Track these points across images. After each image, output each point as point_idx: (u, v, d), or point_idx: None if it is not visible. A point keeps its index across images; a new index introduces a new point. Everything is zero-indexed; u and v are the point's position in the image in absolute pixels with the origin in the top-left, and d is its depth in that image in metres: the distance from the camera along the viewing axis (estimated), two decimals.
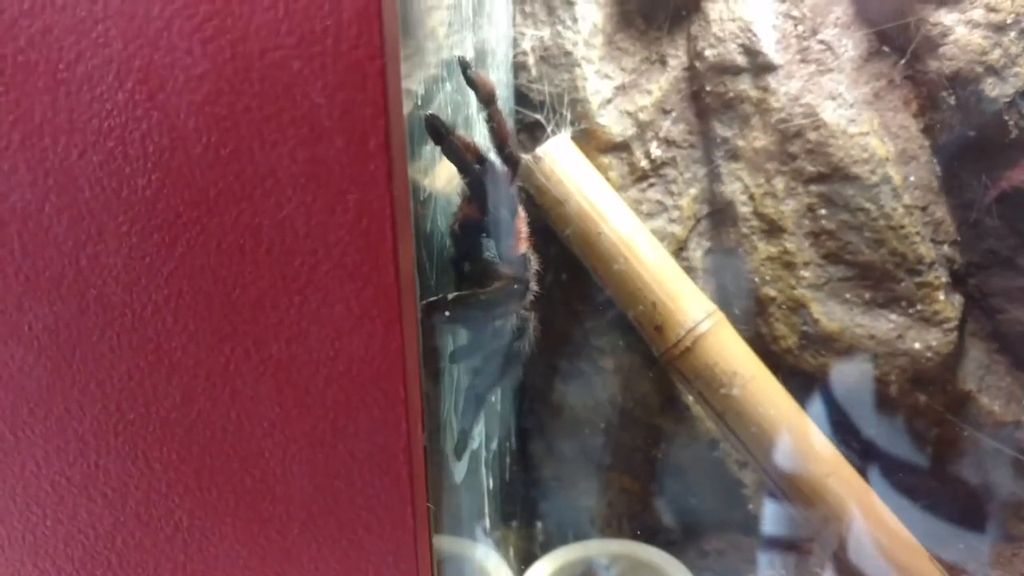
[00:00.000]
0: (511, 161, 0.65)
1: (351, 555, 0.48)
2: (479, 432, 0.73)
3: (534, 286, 0.67)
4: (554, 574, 1.04)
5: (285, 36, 0.40)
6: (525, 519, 1.11)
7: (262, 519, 0.47)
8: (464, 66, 0.62)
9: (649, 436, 1.06)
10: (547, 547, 1.08)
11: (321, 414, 0.45)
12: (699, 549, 1.08)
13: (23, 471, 0.48)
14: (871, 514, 0.90)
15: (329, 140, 0.41)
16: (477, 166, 0.58)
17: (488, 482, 0.78)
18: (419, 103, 0.53)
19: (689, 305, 0.93)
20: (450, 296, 0.56)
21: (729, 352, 0.93)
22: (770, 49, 0.95)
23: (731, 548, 1.07)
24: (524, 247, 0.65)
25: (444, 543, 0.96)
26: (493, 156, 0.63)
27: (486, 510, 0.78)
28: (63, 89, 0.42)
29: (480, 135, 0.71)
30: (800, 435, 0.91)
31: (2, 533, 0.49)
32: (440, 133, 0.54)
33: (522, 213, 0.67)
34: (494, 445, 0.82)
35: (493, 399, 0.82)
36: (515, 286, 0.61)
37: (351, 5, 0.39)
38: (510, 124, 0.66)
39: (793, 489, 0.91)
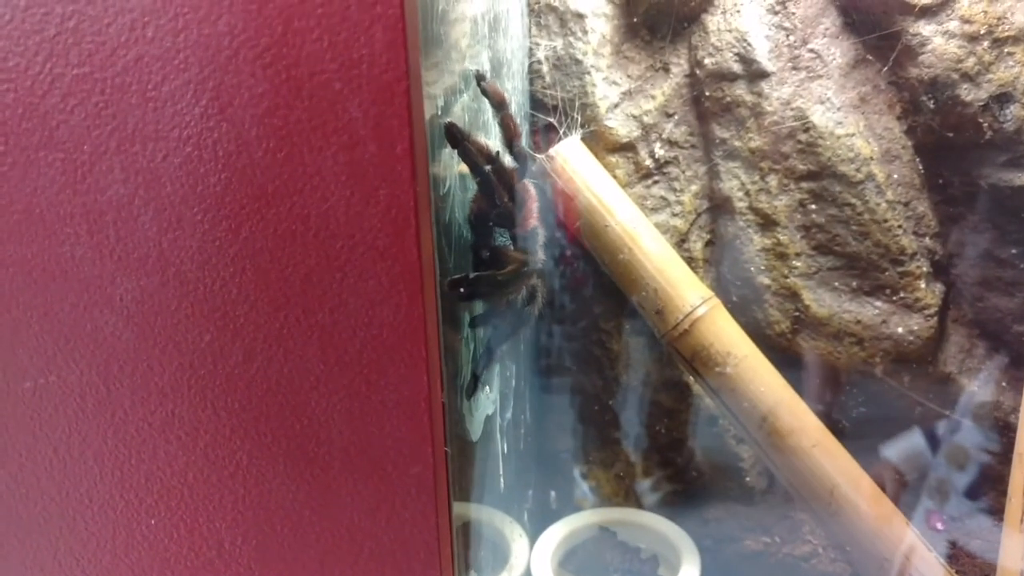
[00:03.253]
0: (520, 157, 0.74)
1: (381, 488, 0.57)
2: (494, 400, 0.83)
3: (542, 255, 0.77)
4: (565, 539, 1.14)
5: (329, 62, 0.50)
6: (541, 487, 1.20)
7: (308, 458, 0.57)
8: (478, 78, 0.72)
9: (653, 413, 1.15)
10: (560, 514, 1.18)
11: (357, 370, 0.55)
12: (700, 517, 1.17)
13: (113, 417, 0.58)
14: (853, 482, 0.99)
15: (364, 146, 0.51)
16: (488, 166, 0.68)
17: (503, 447, 0.88)
18: (438, 112, 0.63)
19: (687, 291, 1.02)
20: (471, 275, 0.66)
21: (724, 334, 1.02)
22: (763, 57, 1.04)
23: (729, 516, 1.16)
24: (534, 223, 0.75)
25: (467, 507, 1.06)
26: (504, 154, 0.72)
27: (500, 472, 0.87)
28: (151, 105, 0.52)
29: (494, 136, 0.80)
30: (788, 409, 1.00)
31: (95, 470, 0.60)
32: (456, 138, 0.64)
33: (532, 192, 0.76)
34: (508, 414, 0.92)
35: (509, 374, 0.92)
36: (525, 268, 0.71)
37: (381, 38, 0.49)
38: (520, 125, 0.76)
39: (781, 460, 1.00)
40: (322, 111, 0.51)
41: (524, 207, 0.73)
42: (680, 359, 1.04)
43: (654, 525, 1.14)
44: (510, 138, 0.74)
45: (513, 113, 0.73)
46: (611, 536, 1.15)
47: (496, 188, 0.68)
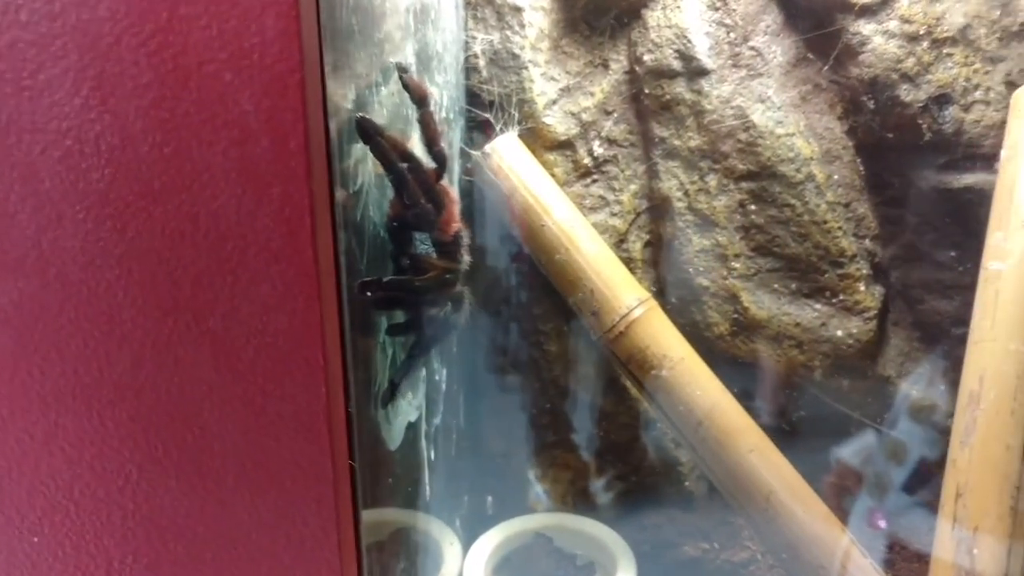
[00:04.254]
0: (440, 158, 0.71)
1: (279, 503, 0.54)
2: (418, 405, 0.80)
3: (467, 258, 0.74)
4: (500, 545, 1.11)
5: (218, 51, 0.47)
6: (475, 493, 1.18)
7: (201, 472, 0.54)
8: (400, 70, 0.68)
9: (592, 416, 1.13)
10: (496, 520, 1.15)
11: (251, 379, 0.52)
12: (639, 523, 1.15)
13: None
14: (789, 488, 0.97)
15: (256, 141, 0.48)
16: (404, 164, 0.65)
17: (430, 454, 0.85)
18: (350, 105, 0.60)
19: (624, 293, 1.00)
20: (385, 279, 0.62)
21: (660, 336, 1.00)
22: (703, 55, 1.02)
23: (668, 521, 1.14)
24: (456, 227, 0.72)
25: (395, 514, 1.03)
26: (423, 153, 0.69)
27: (426, 480, 0.84)
28: (27, 95, 0.48)
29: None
30: (725, 413, 0.98)
31: None
32: (368, 133, 0.61)
33: (454, 195, 0.73)
34: (437, 420, 0.89)
35: (438, 378, 0.89)
36: (447, 276, 0.68)
37: (273, 26, 0.46)
38: (442, 123, 0.72)
39: (718, 465, 0.98)
40: (211, 103, 0.48)
41: (445, 210, 0.69)
42: (616, 361, 1.01)
43: (591, 531, 1.11)
44: (430, 137, 0.71)
45: (435, 111, 0.70)
46: (547, 542, 1.13)
47: (412, 188, 0.65)
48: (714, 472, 0.99)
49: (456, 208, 0.72)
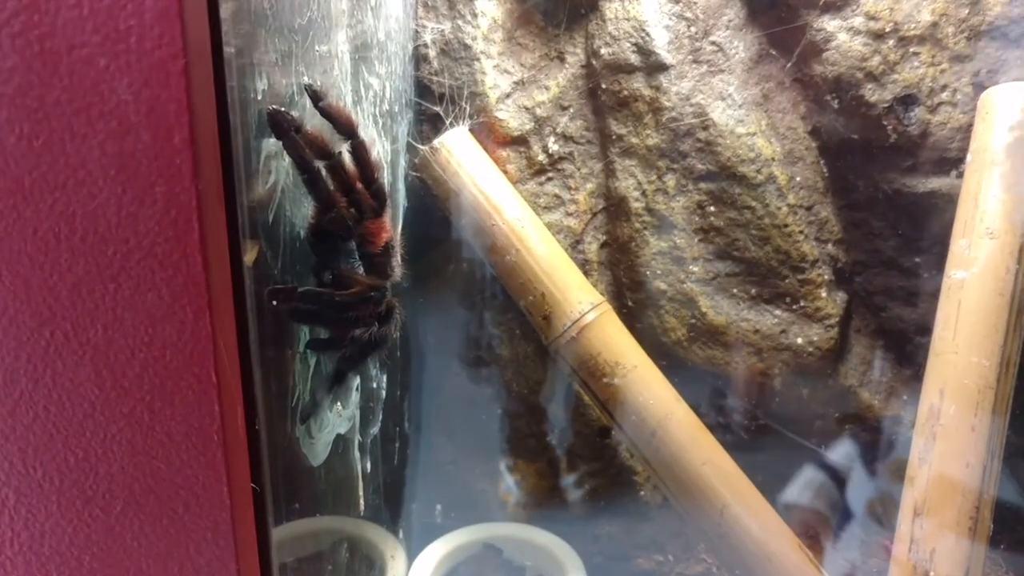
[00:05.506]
0: (380, 195, 0.65)
1: (171, 531, 0.50)
2: (349, 416, 0.75)
3: (399, 272, 0.69)
4: (448, 555, 1.07)
5: (91, 34, 0.42)
6: (423, 502, 1.13)
7: (86, 496, 0.49)
8: (315, 97, 0.61)
9: (544, 423, 1.09)
10: (445, 529, 1.11)
11: (139, 396, 0.47)
12: (592, 534, 1.11)
13: None
14: (744, 502, 0.93)
15: (136, 135, 0.43)
16: (322, 162, 0.60)
17: (364, 466, 0.80)
18: (258, 95, 0.55)
19: (576, 296, 0.96)
20: (300, 289, 0.58)
21: (613, 343, 0.95)
22: (662, 49, 0.97)
23: (622, 533, 1.10)
24: (387, 237, 0.67)
25: (338, 523, 0.98)
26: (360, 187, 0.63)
27: (359, 493, 0.79)
28: None
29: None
30: (678, 424, 0.94)
31: None
32: (280, 128, 0.56)
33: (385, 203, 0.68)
34: (374, 430, 0.84)
35: (375, 386, 0.84)
36: (374, 292, 0.63)
37: (153, 6, 0.41)
38: (376, 154, 0.66)
39: (669, 476, 0.94)
40: (85, 92, 0.43)
41: (372, 220, 0.64)
42: (567, 368, 0.97)
43: (541, 542, 1.07)
44: (366, 172, 0.64)
45: (366, 140, 0.64)
46: (496, 553, 1.08)
47: (326, 191, 0.60)
48: (667, 484, 0.95)
49: (387, 219, 0.66)
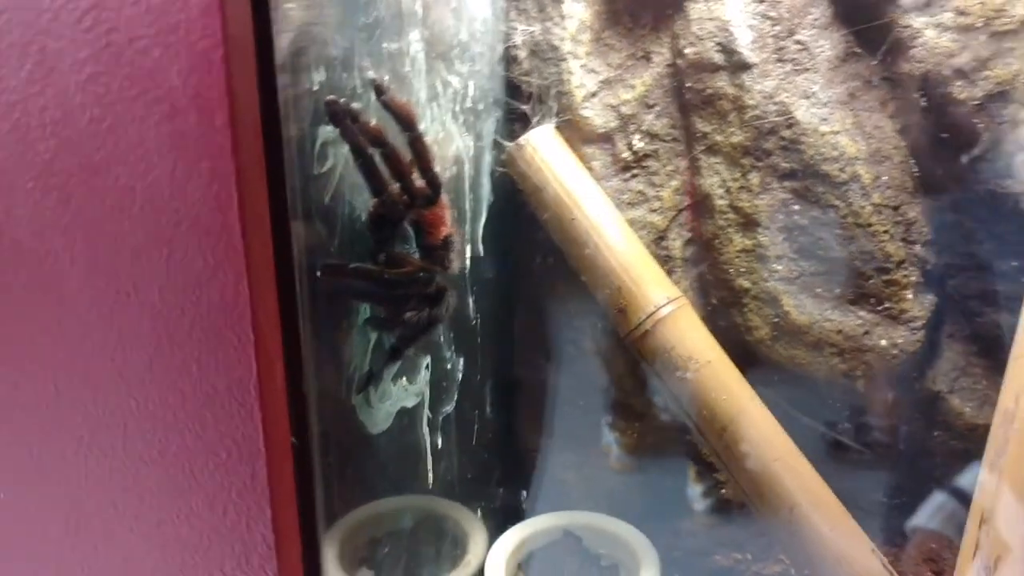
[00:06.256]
0: (434, 184, 0.70)
1: (217, 476, 0.55)
2: (418, 392, 0.80)
3: (456, 265, 0.73)
4: (528, 539, 1.10)
5: (147, 27, 0.48)
6: (509, 487, 1.17)
7: (145, 439, 0.56)
8: (379, 91, 0.66)
9: (627, 416, 1.10)
10: (529, 515, 1.14)
11: (188, 350, 0.53)
12: (672, 529, 1.12)
13: None
14: (815, 502, 0.93)
15: (184, 116, 0.49)
16: (380, 149, 0.64)
17: (434, 441, 0.85)
18: (314, 86, 0.60)
19: (652, 290, 0.97)
20: (351, 265, 0.63)
21: (687, 337, 0.97)
22: (746, 48, 0.98)
23: (703, 529, 1.11)
24: (446, 231, 0.71)
25: (424, 501, 1.04)
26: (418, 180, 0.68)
27: (427, 467, 0.84)
28: None
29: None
30: (751, 421, 0.94)
31: None
32: (336, 116, 0.61)
33: (444, 201, 0.72)
34: (447, 408, 0.89)
35: (450, 367, 0.89)
36: (421, 273, 0.67)
37: (197, 3, 0.47)
38: (432, 149, 0.71)
39: (741, 473, 0.94)
40: (142, 79, 0.49)
41: (431, 213, 0.68)
42: (642, 361, 0.99)
43: (620, 533, 1.09)
44: (422, 162, 0.69)
45: (423, 133, 0.69)
46: (576, 541, 1.11)
47: (378, 176, 0.64)
48: (738, 481, 0.95)
49: (447, 214, 0.71)
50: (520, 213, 1.05)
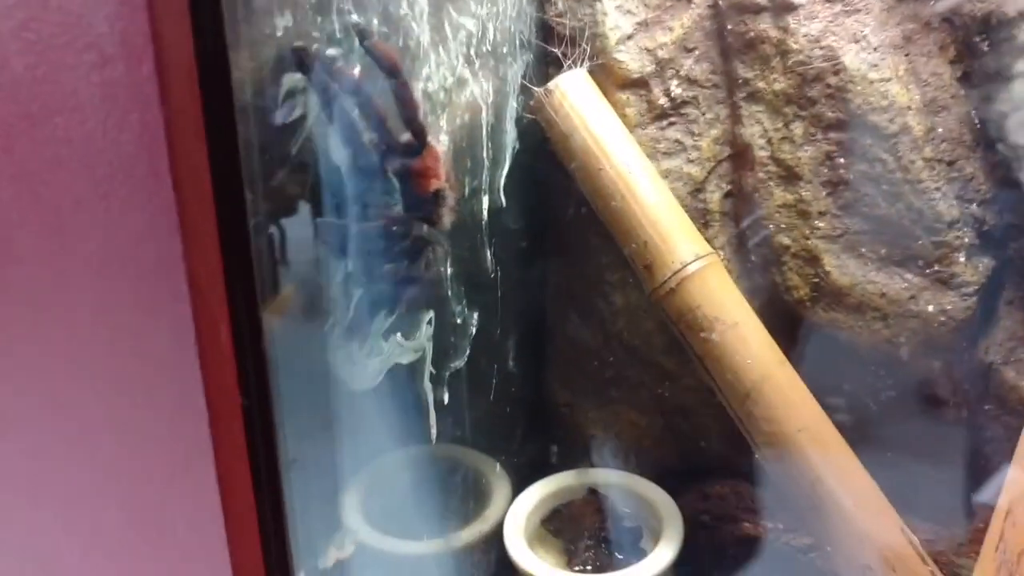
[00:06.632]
0: (419, 135, 0.66)
1: (155, 433, 0.55)
2: (417, 348, 0.78)
3: (447, 220, 0.70)
4: (552, 495, 1.08)
5: None
6: (534, 442, 1.15)
7: (76, 390, 0.55)
8: (362, 36, 0.63)
9: (656, 375, 1.07)
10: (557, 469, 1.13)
11: (130, 306, 0.52)
12: (701, 492, 1.08)
13: None
14: (841, 475, 0.88)
15: (114, 65, 0.47)
16: (355, 97, 0.62)
17: (439, 396, 0.83)
18: (279, 33, 0.58)
19: (680, 246, 0.93)
20: (317, 220, 0.61)
21: (715, 296, 0.92)
22: None
23: (734, 494, 1.07)
24: (436, 185, 0.68)
25: (448, 450, 1.03)
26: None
27: (430, 422, 0.83)
28: None
29: None
30: (776, 387, 0.89)
31: None
32: (304, 64, 0.58)
33: (437, 153, 0.69)
34: (456, 363, 0.87)
35: (460, 321, 0.87)
36: (395, 227, 0.64)
37: None
38: (417, 95, 0.67)
39: (762, 440, 0.90)
40: (72, 25, 0.47)
41: (422, 164, 0.65)
42: (667, 320, 0.95)
43: (646, 493, 1.06)
44: (407, 111, 0.66)
45: (407, 80, 0.65)
46: (601, 499, 1.09)
47: (352, 126, 0.61)
48: (759, 450, 0.91)
49: (439, 166, 0.67)
50: (549, 162, 1.01)
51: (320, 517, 0.72)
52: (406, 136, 0.65)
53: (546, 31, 1.02)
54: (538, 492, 1.07)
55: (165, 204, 0.49)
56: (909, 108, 0.89)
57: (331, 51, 0.61)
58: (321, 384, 0.68)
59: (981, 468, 0.95)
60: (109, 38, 0.46)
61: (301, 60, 0.58)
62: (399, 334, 0.76)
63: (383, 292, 0.68)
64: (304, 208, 0.62)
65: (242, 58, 0.56)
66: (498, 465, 1.03)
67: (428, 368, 0.81)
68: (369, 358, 0.71)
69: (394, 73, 0.65)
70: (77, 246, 0.52)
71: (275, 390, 0.59)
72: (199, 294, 0.51)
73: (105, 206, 0.50)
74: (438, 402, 0.84)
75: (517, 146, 0.98)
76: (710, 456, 1.09)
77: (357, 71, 0.65)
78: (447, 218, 0.70)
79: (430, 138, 0.70)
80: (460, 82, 0.81)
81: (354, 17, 0.64)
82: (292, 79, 0.59)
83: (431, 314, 0.81)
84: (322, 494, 0.71)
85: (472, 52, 0.84)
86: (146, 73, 0.46)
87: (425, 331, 0.80)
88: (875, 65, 0.89)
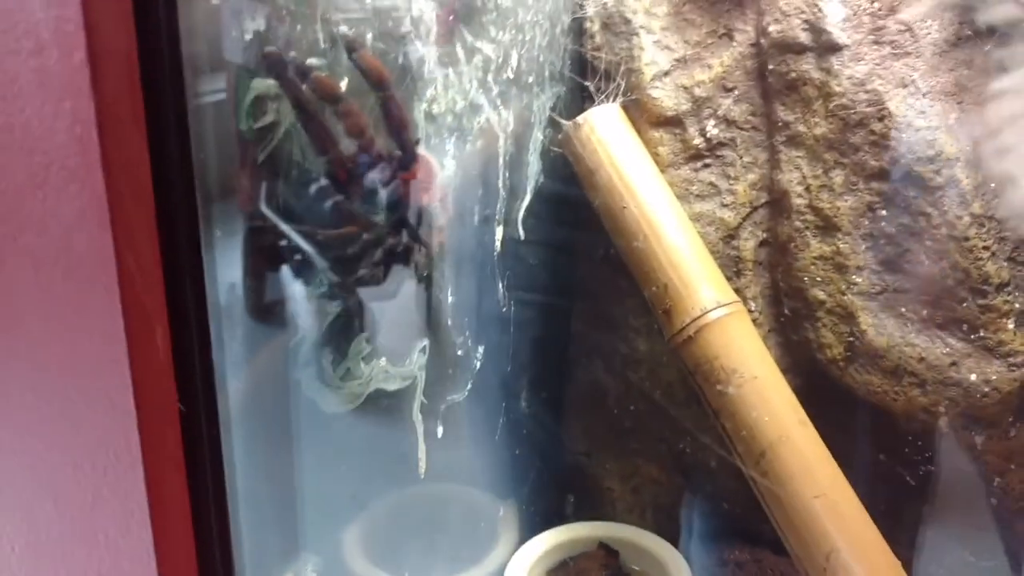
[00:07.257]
0: (407, 149, 0.64)
1: (81, 446, 0.53)
2: (407, 376, 0.75)
3: (436, 240, 0.67)
4: (560, 546, 1.03)
5: None
6: (545, 488, 1.10)
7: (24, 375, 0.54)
8: (350, 48, 0.61)
9: (677, 428, 1.01)
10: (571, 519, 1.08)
11: (63, 298, 0.51)
12: (719, 556, 1.02)
13: None
14: (859, 550, 0.80)
15: (49, 52, 0.46)
16: (333, 107, 0.60)
17: (430, 428, 0.80)
18: (248, 36, 0.56)
19: (701, 292, 0.88)
20: (282, 226, 0.58)
21: (734, 347, 0.86)
22: (835, 27, 0.86)
23: (752, 562, 1.00)
24: (426, 201, 0.65)
25: (440, 487, 0.99)
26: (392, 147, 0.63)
27: (420, 455, 0.79)
28: None
29: None
30: (795, 449, 0.83)
31: None
32: (277, 69, 0.57)
33: (432, 169, 0.67)
34: (454, 397, 0.84)
35: (461, 353, 0.84)
36: (363, 235, 0.62)
37: None
38: (415, 113, 0.65)
39: (776, 505, 0.83)
40: (10, 10, 0.47)
41: (409, 181, 0.63)
42: (684, 369, 0.90)
43: (660, 553, 1.00)
44: (393, 124, 0.64)
45: (394, 94, 0.63)
46: (612, 555, 1.03)
47: (323, 136, 0.59)
48: (773, 515, 0.84)
49: (433, 183, 0.65)
50: (577, 198, 0.97)
51: (276, 537, 0.69)
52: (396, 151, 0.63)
53: (581, 64, 0.99)
54: (547, 541, 1.03)
55: (96, 195, 0.47)
56: (958, 159, 0.82)
57: (311, 60, 0.59)
58: (284, 401, 0.65)
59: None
60: (44, 25, 0.46)
61: (272, 65, 0.57)
62: (384, 359, 0.73)
63: (357, 310, 0.66)
64: (268, 211, 0.60)
65: (206, 57, 0.55)
66: (502, 508, 0.99)
67: (419, 398, 0.78)
68: (344, 381, 0.69)
69: (381, 86, 0.63)
70: (14, 237, 0.51)
71: (224, 400, 0.56)
72: (131, 292, 0.49)
73: (41, 196, 0.49)
74: (429, 434, 0.80)
75: (541, 179, 0.95)
76: (732, 519, 1.02)
77: (344, 84, 0.63)
78: (436, 238, 0.68)
79: (425, 153, 0.67)
80: (473, 108, 0.79)
81: (342, 28, 0.62)
82: (263, 84, 0.58)
83: (424, 342, 0.78)
84: (279, 515, 0.69)
85: (489, 78, 0.82)
86: (78, 61, 0.45)
87: (417, 359, 0.77)
88: (923, 112, 0.84)
